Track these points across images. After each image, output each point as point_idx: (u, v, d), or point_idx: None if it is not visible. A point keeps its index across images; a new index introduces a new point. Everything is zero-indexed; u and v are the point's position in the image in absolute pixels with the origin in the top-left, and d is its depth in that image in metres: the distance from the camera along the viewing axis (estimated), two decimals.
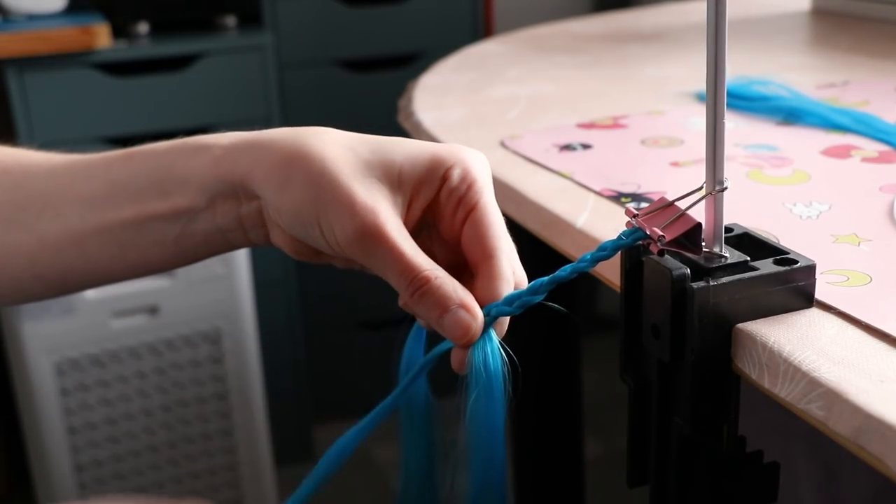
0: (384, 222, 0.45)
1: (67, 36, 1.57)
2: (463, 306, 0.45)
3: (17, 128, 1.61)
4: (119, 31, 1.71)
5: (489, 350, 0.45)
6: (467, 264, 0.47)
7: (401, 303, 0.46)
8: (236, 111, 1.76)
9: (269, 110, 1.78)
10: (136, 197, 0.50)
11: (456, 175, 0.47)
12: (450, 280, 0.45)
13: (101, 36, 1.59)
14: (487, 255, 0.46)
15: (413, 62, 1.90)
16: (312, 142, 0.47)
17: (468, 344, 0.45)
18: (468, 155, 0.48)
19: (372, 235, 0.45)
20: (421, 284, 0.45)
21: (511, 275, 0.46)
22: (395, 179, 0.47)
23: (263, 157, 0.47)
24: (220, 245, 0.51)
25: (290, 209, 0.46)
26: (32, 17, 1.64)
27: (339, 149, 0.47)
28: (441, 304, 0.45)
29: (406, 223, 0.47)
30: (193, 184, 0.49)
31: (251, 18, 1.82)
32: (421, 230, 0.50)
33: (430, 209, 0.48)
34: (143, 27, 1.74)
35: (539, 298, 0.45)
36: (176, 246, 0.50)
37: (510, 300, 0.45)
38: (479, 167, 0.48)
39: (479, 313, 0.45)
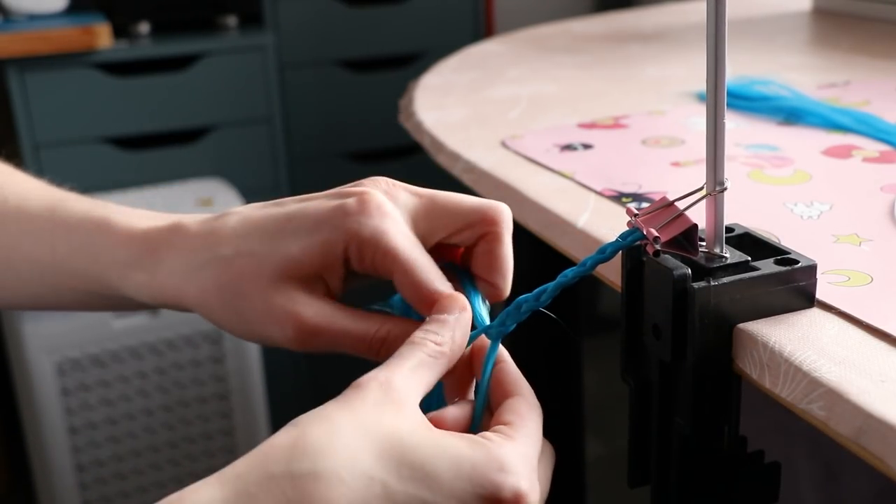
0: (310, 319, 0.46)
1: (68, 36, 1.57)
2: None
3: (18, 128, 1.61)
4: (120, 31, 1.71)
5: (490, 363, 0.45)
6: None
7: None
8: (237, 111, 1.76)
9: (269, 110, 1.78)
10: (79, 276, 0.52)
11: (354, 257, 0.47)
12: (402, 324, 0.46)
13: (102, 36, 1.59)
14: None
15: (414, 62, 1.90)
16: (225, 260, 0.48)
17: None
18: (357, 226, 0.46)
19: (310, 332, 0.47)
20: (379, 343, 0.46)
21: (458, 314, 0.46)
22: (301, 271, 0.47)
23: (189, 287, 0.49)
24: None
25: (232, 328, 0.50)
26: (33, 17, 1.64)
27: (246, 260, 0.47)
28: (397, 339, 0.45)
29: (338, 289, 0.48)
30: (130, 293, 0.51)
31: (252, 18, 1.82)
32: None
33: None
34: (143, 27, 1.74)
35: (544, 304, 0.45)
36: (131, 309, 0.54)
37: (518, 304, 0.46)
38: (368, 231, 0.46)
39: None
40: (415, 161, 1.93)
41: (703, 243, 0.45)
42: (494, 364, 0.45)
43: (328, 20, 1.85)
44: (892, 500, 0.79)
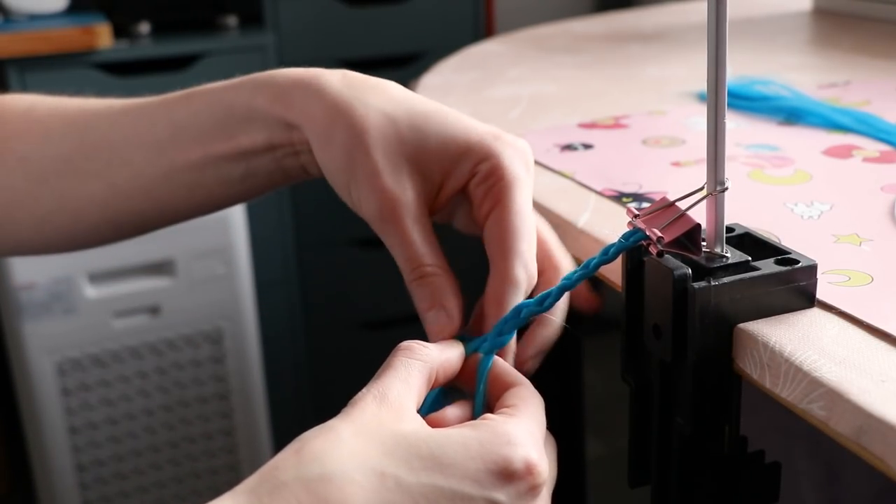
0: (403, 207, 0.47)
1: (69, 36, 1.57)
2: (445, 308, 0.46)
3: None
4: (120, 31, 1.71)
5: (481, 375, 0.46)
6: None
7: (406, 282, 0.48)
8: None
9: None
10: (199, 138, 0.51)
11: (483, 169, 0.48)
12: (447, 279, 0.47)
13: (103, 36, 1.59)
14: (502, 255, 0.47)
15: (414, 62, 1.90)
16: (357, 105, 0.48)
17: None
18: (502, 149, 0.49)
19: (389, 219, 0.47)
20: (418, 276, 0.47)
21: (523, 280, 0.47)
22: (426, 163, 0.48)
23: (313, 107, 0.49)
24: (282, 180, 0.53)
25: (329, 168, 0.48)
26: (34, 17, 1.64)
27: (381, 118, 0.48)
28: (429, 298, 0.46)
29: (437, 203, 0.49)
30: (253, 123, 0.50)
31: (252, 18, 1.82)
32: (457, 208, 0.51)
33: (464, 193, 0.49)
34: (144, 27, 1.74)
35: (547, 308, 0.45)
36: (241, 184, 0.52)
37: (518, 310, 0.46)
38: (513, 162, 0.49)
39: (457, 320, 0.47)
40: None
41: (704, 243, 0.45)
42: (491, 363, 0.46)
43: (328, 20, 1.85)
44: (892, 500, 0.79)
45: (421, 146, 0.48)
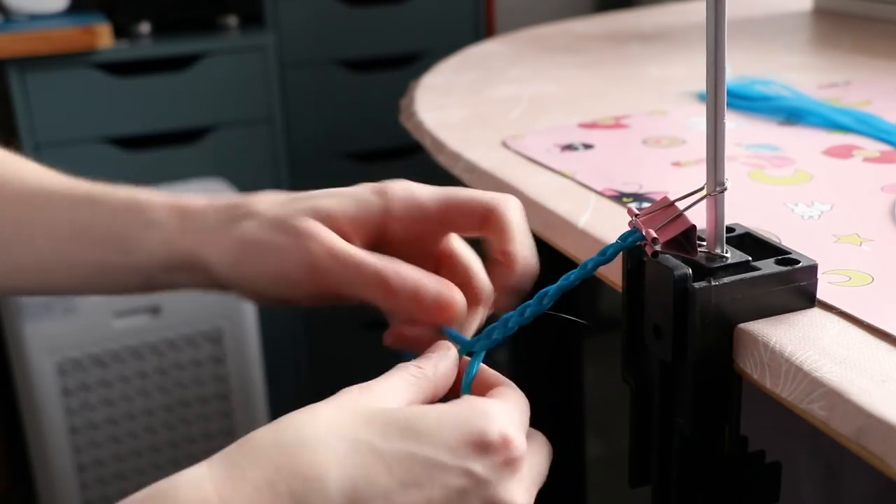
0: (332, 241, 0.47)
1: (69, 36, 1.57)
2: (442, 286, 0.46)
3: (19, 128, 1.61)
4: (121, 31, 1.71)
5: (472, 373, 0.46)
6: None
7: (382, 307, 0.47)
8: (238, 111, 1.76)
9: (270, 110, 1.78)
10: (98, 245, 0.52)
11: (400, 204, 0.48)
12: (416, 269, 0.47)
13: (103, 36, 1.59)
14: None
15: (415, 62, 1.90)
16: (244, 221, 0.49)
17: (449, 322, 0.46)
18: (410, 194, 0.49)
19: (327, 255, 0.46)
20: (388, 277, 0.46)
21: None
22: (325, 218, 0.48)
23: (207, 238, 0.49)
24: (183, 287, 0.53)
25: (249, 282, 0.49)
26: (34, 17, 1.64)
27: (268, 213, 0.49)
28: (415, 283, 0.46)
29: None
30: (148, 252, 0.51)
31: (252, 18, 1.82)
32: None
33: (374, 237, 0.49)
34: (144, 27, 1.74)
35: (546, 307, 0.45)
36: (140, 288, 0.53)
37: (522, 310, 0.46)
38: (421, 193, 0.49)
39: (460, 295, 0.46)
40: (415, 161, 1.93)
41: (704, 243, 0.45)
42: (478, 371, 0.46)
43: (329, 20, 1.85)
44: (893, 500, 0.79)
45: (316, 208, 0.49)
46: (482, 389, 0.45)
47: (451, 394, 0.45)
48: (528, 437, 0.43)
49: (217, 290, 0.51)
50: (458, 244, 0.50)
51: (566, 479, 1.02)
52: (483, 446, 0.39)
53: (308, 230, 0.47)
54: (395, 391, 0.41)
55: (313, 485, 0.36)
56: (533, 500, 0.42)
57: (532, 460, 0.42)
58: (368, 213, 0.48)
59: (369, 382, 0.41)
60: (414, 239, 0.48)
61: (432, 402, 0.43)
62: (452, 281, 0.47)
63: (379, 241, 0.48)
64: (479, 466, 0.39)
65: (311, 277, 0.47)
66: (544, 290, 0.45)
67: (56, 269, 0.53)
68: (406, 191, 0.48)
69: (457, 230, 0.50)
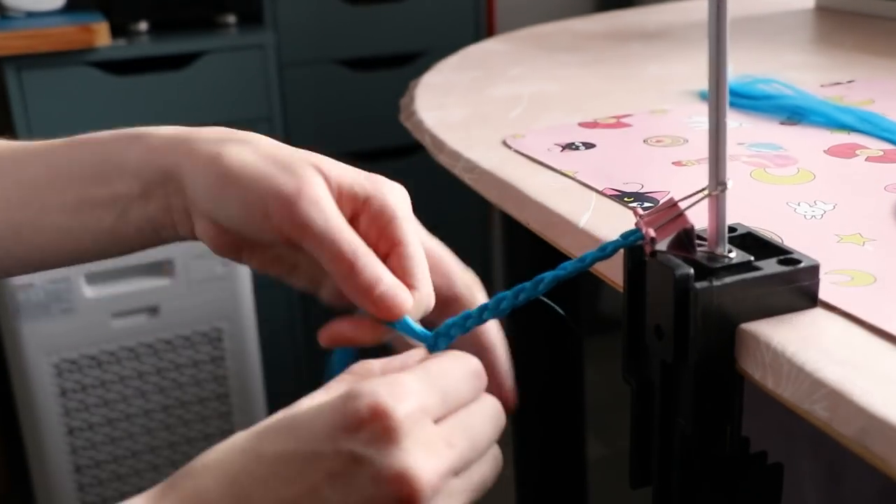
0: (318, 191, 0.46)
1: (66, 34, 1.57)
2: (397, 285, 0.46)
3: (16, 126, 1.61)
4: (118, 30, 1.70)
5: None
6: None
7: (335, 279, 0.46)
8: (237, 110, 1.76)
9: (269, 109, 1.78)
10: (76, 182, 0.51)
11: (376, 206, 0.48)
12: (382, 264, 0.46)
13: (101, 34, 1.59)
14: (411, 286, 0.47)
15: (415, 61, 1.90)
16: (237, 144, 0.48)
17: (389, 319, 0.46)
18: (389, 188, 0.49)
19: (308, 202, 0.45)
20: (357, 258, 0.45)
21: (428, 309, 0.47)
22: (325, 175, 0.48)
23: (193, 149, 0.48)
24: (152, 238, 0.52)
25: (219, 207, 0.48)
26: (31, 15, 1.64)
27: (266, 147, 0.48)
28: (377, 277, 0.45)
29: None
30: (129, 171, 0.50)
31: (251, 17, 1.82)
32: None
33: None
34: (142, 25, 1.74)
35: (541, 292, 0.45)
36: (110, 235, 0.51)
37: (499, 300, 0.46)
38: (399, 201, 0.49)
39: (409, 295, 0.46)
40: (415, 160, 1.93)
41: (706, 243, 0.45)
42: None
43: (328, 19, 1.85)
44: (894, 501, 0.79)
45: (318, 165, 0.49)
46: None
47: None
48: (463, 399, 0.42)
49: (179, 228, 0.50)
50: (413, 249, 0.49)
51: (567, 479, 1.02)
52: (354, 425, 0.38)
53: (308, 174, 0.46)
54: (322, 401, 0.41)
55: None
56: (460, 455, 0.40)
57: (455, 422, 0.41)
58: (355, 194, 0.48)
59: (302, 400, 0.42)
60: (376, 245, 0.48)
61: None
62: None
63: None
64: (355, 444, 0.38)
65: (288, 220, 0.45)
66: (540, 276, 0.45)
67: (25, 222, 0.52)
68: (392, 204, 0.48)
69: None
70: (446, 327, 0.46)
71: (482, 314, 0.46)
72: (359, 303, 0.46)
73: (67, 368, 1.51)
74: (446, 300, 0.49)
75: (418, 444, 0.39)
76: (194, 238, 0.50)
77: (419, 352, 0.45)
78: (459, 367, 0.43)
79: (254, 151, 0.48)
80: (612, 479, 1.40)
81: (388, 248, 0.47)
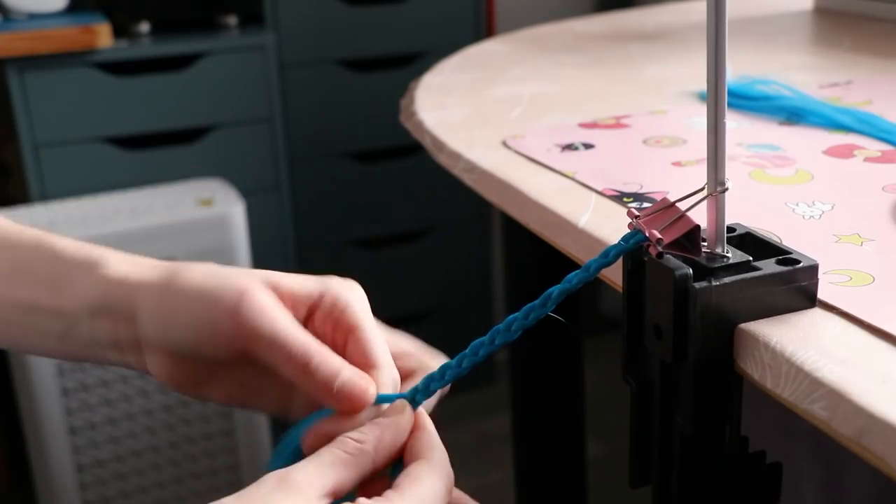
0: (261, 297, 0.46)
1: (68, 35, 1.57)
2: (355, 374, 0.45)
3: (18, 127, 1.61)
4: (120, 31, 1.71)
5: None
6: None
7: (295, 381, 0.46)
8: (237, 111, 1.76)
9: (270, 110, 1.78)
10: (31, 285, 0.51)
11: (329, 300, 0.48)
12: (339, 358, 0.46)
13: (102, 35, 1.59)
14: (378, 372, 0.47)
15: (415, 62, 1.90)
16: (184, 270, 0.48)
17: (356, 411, 0.45)
18: (341, 283, 0.49)
19: (251, 309, 0.45)
20: (311, 356, 0.45)
21: (393, 387, 0.47)
22: (272, 285, 0.48)
23: (143, 280, 0.48)
24: (99, 358, 0.52)
25: (169, 331, 0.48)
26: (33, 17, 1.64)
27: (211, 268, 0.48)
28: (335, 370, 0.45)
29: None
30: (79, 295, 0.50)
31: (252, 18, 1.82)
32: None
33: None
34: (144, 26, 1.74)
35: (549, 310, 0.45)
36: (59, 343, 0.52)
37: (511, 322, 0.45)
38: (352, 292, 0.49)
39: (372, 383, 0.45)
40: (415, 161, 1.94)
41: (705, 243, 0.45)
42: (412, 431, 0.45)
43: (329, 20, 1.85)
44: (893, 500, 0.79)
45: (269, 280, 0.49)
46: (409, 459, 0.44)
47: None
48: None
49: (127, 356, 0.50)
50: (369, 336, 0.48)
51: (566, 479, 1.02)
52: None
53: (252, 284, 0.46)
54: (316, 477, 0.41)
55: None
56: None
57: None
58: (307, 295, 0.48)
59: (294, 468, 0.41)
60: (337, 341, 0.48)
61: (374, 473, 0.43)
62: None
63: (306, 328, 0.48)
64: None
65: (237, 330, 0.46)
66: (548, 291, 0.45)
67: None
68: (344, 295, 0.48)
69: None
70: (425, 382, 0.46)
71: (461, 362, 0.46)
72: (323, 401, 0.45)
73: (69, 368, 1.51)
74: (411, 373, 0.49)
75: None
76: (143, 370, 0.50)
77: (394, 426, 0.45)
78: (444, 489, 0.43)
79: (200, 273, 0.48)
80: (612, 479, 1.40)
81: (345, 336, 0.47)
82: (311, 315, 0.48)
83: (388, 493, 0.41)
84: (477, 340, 0.45)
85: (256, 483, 0.40)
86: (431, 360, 0.50)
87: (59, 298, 0.50)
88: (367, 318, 0.48)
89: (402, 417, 0.45)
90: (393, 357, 0.48)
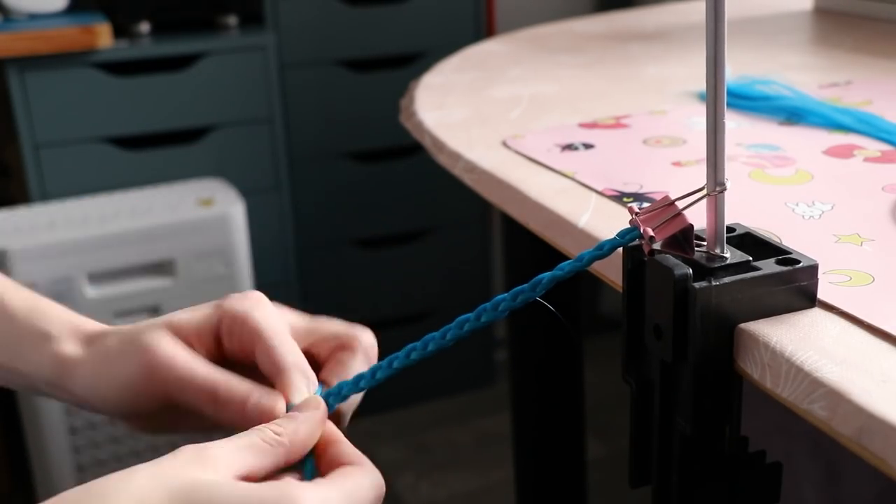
0: (171, 348, 0.48)
1: (68, 35, 1.57)
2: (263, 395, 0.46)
3: (18, 127, 1.61)
4: (120, 31, 1.71)
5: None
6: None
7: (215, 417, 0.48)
8: (237, 111, 1.76)
9: (270, 110, 1.78)
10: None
11: (228, 320, 0.49)
12: (247, 382, 0.47)
13: (103, 35, 1.59)
14: (284, 382, 0.47)
15: (415, 62, 1.90)
16: (103, 338, 0.51)
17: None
18: (235, 298, 0.50)
19: (159, 365, 0.48)
20: (217, 388, 0.47)
21: (306, 388, 0.47)
22: (174, 328, 0.50)
23: (78, 355, 0.51)
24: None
25: (100, 394, 0.50)
26: (34, 17, 1.64)
27: (124, 329, 0.51)
28: (243, 396, 0.46)
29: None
30: (34, 365, 0.52)
31: (252, 18, 1.82)
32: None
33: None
34: (144, 27, 1.74)
35: (538, 294, 0.45)
36: (26, 389, 0.54)
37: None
38: (248, 302, 0.50)
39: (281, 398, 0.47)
40: (415, 161, 1.94)
41: (705, 243, 0.45)
42: (331, 445, 0.45)
43: (329, 20, 1.85)
44: (893, 500, 0.79)
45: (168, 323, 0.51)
46: (335, 465, 0.44)
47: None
48: None
49: (91, 410, 0.52)
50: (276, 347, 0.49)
51: (566, 479, 1.02)
52: None
53: (151, 338, 0.48)
54: (232, 458, 0.41)
55: None
56: None
57: None
58: (208, 325, 0.50)
59: (212, 443, 0.42)
60: (248, 354, 0.49)
61: (286, 465, 0.43)
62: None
63: (221, 353, 0.50)
64: None
65: (150, 383, 0.48)
66: (538, 276, 0.45)
67: None
68: (240, 309, 0.49)
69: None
70: (337, 387, 0.47)
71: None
72: (243, 426, 0.46)
73: None
74: (342, 350, 0.51)
75: None
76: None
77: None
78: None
79: (114, 341, 0.50)
80: (612, 479, 1.40)
81: (251, 348, 0.48)
82: (219, 339, 0.50)
83: (319, 479, 0.42)
84: (462, 316, 0.47)
85: (173, 453, 0.41)
86: (361, 334, 0.51)
87: (15, 362, 0.52)
88: (267, 324, 0.49)
89: (318, 413, 0.45)
90: (317, 343, 0.50)
